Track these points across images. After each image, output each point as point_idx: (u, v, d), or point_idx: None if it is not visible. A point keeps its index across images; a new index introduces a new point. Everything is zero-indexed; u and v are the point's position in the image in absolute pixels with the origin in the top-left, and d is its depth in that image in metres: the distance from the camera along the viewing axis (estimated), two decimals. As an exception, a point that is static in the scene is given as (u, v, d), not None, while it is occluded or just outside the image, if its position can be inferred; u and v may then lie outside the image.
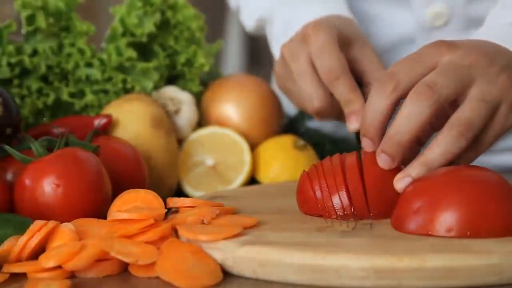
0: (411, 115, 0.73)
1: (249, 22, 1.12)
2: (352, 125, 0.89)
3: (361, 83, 0.94)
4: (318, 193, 0.76)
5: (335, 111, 0.94)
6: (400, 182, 0.74)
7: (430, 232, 0.68)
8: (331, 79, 0.90)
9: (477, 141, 0.76)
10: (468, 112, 0.74)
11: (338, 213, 0.75)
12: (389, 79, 0.76)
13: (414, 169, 0.74)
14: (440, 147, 0.74)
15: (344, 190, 0.75)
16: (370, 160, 0.77)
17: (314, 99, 0.92)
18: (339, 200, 0.75)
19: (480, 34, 0.86)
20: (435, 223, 0.68)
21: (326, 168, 0.77)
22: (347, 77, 0.90)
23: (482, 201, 0.69)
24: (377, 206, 0.75)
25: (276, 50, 1.03)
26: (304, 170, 0.79)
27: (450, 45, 0.77)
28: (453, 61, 0.76)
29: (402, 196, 0.73)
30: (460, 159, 0.75)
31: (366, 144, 0.78)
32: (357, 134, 0.88)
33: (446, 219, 0.68)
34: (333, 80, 0.90)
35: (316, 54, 0.92)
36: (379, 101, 0.76)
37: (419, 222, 0.69)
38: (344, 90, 0.90)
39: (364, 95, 0.91)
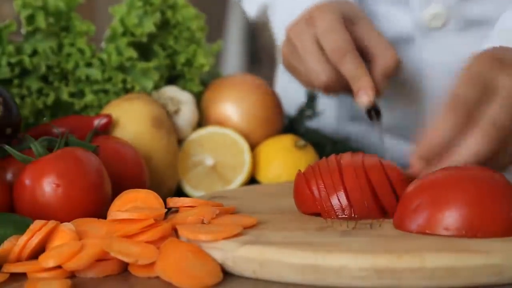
0: (479, 154, 0.75)
1: (251, 9, 1.16)
2: (362, 99, 0.93)
3: (365, 60, 0.98)
4: (316, 193, 0.76)
5: (342, 85, 0.97)
6: (416, 166, 0.77)
7: (428, 231, 0.69)
8: (338, 56, 0.94)
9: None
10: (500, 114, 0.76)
11: (337, 212, 0.75)
12: (460, 107, 0.76)
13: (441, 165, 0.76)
14: (469, 149, 0.75)
15: (342, 190, 0.75)
16: (373, 162, 0.77)
17: (321, 74, 0.95)
18: (337, 200, 0.75)
19: (493, 38, 0.87)
20: (434, 222, 0.69)
21: (323, 168, 0.77)
22: (353, 54, 0.94)
23: (483, 200, 0.69)
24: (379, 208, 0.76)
25: (279, 34, 1.07)
26: (299, 170, 0.79)
27: (501, 64, 0.79)
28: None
29: (403, 195, 0.73)
30: (492, 163, 0.76)
31: (417, 164, 0.78)
32: (368, 110, 0.94)
33: (445, 218, 0.68)
34: (341, 57, 0.94)
35: (323, 34, 0.95)
36: (448, 127, 0.77)
37: (418, 221, 0.69)
38: (351, 67, 0.93)
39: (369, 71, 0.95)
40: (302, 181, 0.78)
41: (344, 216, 0.75)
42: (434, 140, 0.77)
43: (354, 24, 0.98)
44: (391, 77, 0.97)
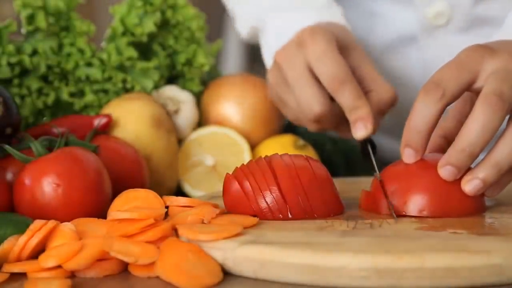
0: (486, 126, 0.72)
1: (242, 31, 1.09)
2: (360, 131, 0.87)
3: None
4: (251, 194, 0.75)
5: (334, 120, 0.92)
6: (469, 185, 0.74)
7: (404, 213, 0.75)
8: (336, 85, 0.87)
9: None
10: None
11: (274, 213, 0.75)
12: (436, 87, 0.74)
13: (483, 171, 0.73)
14: (508, 145, 0.73)
15: (277, 190, 0.75)
16: (301, 163, 0.77)
17: (314, 104, 0.89)
18: (274, 200, 0.75)
19: (502, 35, 0.86)
20: (410, 205, 0.75)
21: (254, 170, 0.76)
22: (352, 83, 0.88)
23: (449, 184, 0.75)
24: (317, 207, 0.76)
25: (269, 59, 1.00)
26: (227, 173, 0.78)
27: (491, 51, 0.76)
28: (504, 67, 0.75)
29: (376, 181, 0.78)
30: None
31: (408, 155, 0.76)
32: (362, 143, 0.88)
33: (419, 202, 0.75)
34: (339, 86, 0.87)
35: (316, 59, 0.89)
36: (427, 108, 0.74)
37: (396, 205, 0.75)
38: (350, 97, 0.87)
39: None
40: (233, 183, 0.77)
41: (279, 216, 0.75)
42: (413, 124, 0.75)
43: (348, 52, 0.92)
44: (385, 114, 0.93)
